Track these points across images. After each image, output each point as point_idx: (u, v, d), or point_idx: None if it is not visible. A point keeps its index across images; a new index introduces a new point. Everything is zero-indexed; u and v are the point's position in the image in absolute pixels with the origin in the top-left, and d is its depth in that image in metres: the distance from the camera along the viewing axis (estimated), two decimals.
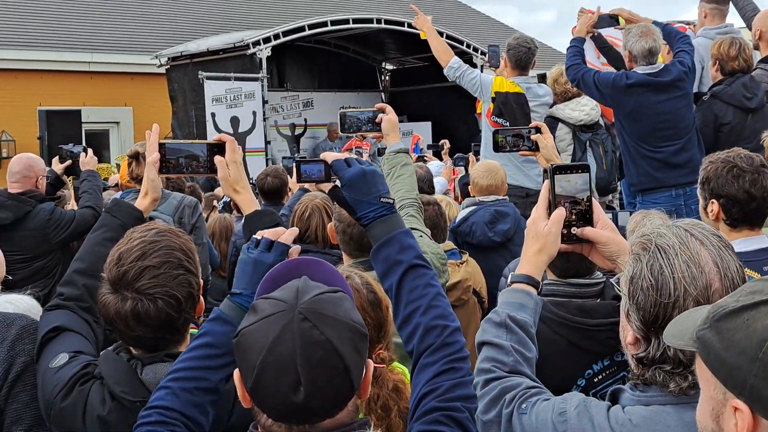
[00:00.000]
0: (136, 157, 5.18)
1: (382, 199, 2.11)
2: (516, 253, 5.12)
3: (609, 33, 6.65)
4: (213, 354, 2.03)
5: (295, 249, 2.16)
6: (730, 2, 6.52)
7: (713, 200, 3.23)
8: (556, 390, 2.63)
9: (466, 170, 8.52)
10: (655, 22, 5.78)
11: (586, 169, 2.20)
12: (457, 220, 5.40)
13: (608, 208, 6.56)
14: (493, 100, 6.39)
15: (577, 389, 2.69)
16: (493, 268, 4.88)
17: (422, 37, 6.90)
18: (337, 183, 2.18)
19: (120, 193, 6.87)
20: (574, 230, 2.17)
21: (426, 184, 6.29)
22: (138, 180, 5.19)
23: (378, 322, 2.59)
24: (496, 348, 2.09)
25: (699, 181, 3.32)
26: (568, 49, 5.98)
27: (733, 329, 1.24)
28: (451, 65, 6.50)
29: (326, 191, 2.23)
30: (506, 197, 5.52)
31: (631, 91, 5.48)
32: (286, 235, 2.14)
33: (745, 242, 3.23)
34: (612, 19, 6.02)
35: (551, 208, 2.17)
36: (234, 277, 2.16)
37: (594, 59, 7.52)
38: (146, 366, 2.23)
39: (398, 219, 2.12)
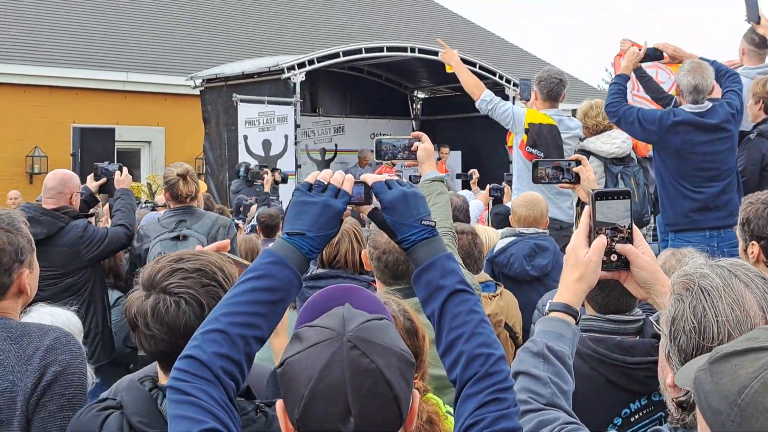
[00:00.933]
0: (183, 177, 5.20)
1: (423, 222, 2.05)
2: (552, 288, 5.07)
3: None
4: (274, 300, 1.84)
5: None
6: None
7: (753, 242, 3.17)
8: (591, 429, 2.58)
9: (501, 200, 8.47)
10: (702, 58, 5.72)
11: (627, 195, 2.15)
12: (495, 250, 5.34)
13: None
14: (527, 131, 6.37)
15: (613, 428, 2.64)
16: (527, 302, 4.81)
17: (448, 70, 6.88)
18: (377, 205, 2.15)
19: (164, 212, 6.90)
20: (614, 257, 2.12)
21: (462, 214, 6.25)
22: (180, 198, 5.21)
23: (414, 351, 2.53)
24: (533, 379, 2.04)
25: (739, 221, 3.27)
26: (610, 86, 5.94)
27: (722, 373, 1.25)
28: (483, 98, 6.49)
29: (366, 213, 2.19)
30: (546, 231, 5.45)
31: (678, 129, 5.44)
32: (347, 183, 2.05)
33: None
34: (656, 53, 5.96)
35: (592, 234, 2.13)
36: (287, 218, 2.00)
37: (635, 91, 7.49)
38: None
39: (440, 242, 2.05)
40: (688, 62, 5.55)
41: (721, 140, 5.45)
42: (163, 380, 2.22)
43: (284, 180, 11.17)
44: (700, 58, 5.71)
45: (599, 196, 2.13)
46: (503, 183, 8.76)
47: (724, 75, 5.70)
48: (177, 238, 5.03)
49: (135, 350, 5.58)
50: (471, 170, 11.88)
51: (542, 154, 6.35)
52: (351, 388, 1.50)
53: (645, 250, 2.13)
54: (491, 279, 4.78)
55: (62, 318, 2.80)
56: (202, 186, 8.15)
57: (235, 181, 11.48)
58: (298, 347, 1.57)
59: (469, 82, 6.63)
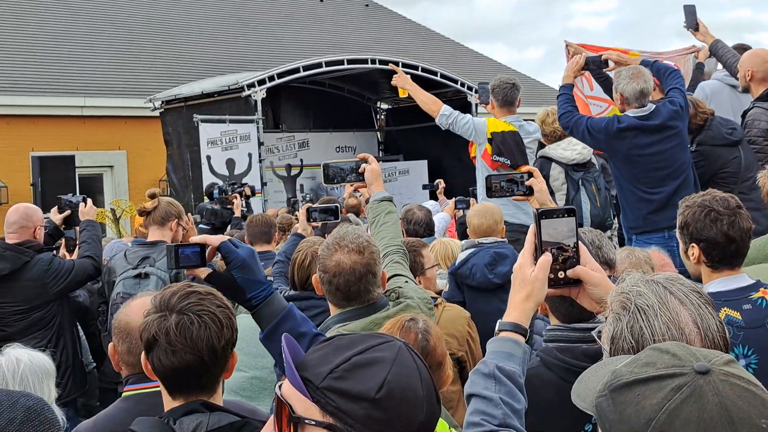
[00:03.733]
0: (153, 196, 5.11)
1: (268, 277, 2.23)
2: None
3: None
4: None
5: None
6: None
7: (693, 244, 3.25)
8: None
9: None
10: (643, 62, 5.81)
11: (571, 213, 2.17)
12: (456, 263, 5.39)
13: None
14: (490, 141, 6.41)
15: None
16: (493, 311, 4.84)
17: (401, 95, 6.91)
18: (214, 267, 2.22)
19: (132, 240, 6.82)
20: (561, 275, 2.15)
21: (422, 228, 6.27)
22: (142, 213, 5.12)
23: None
24: (485, 400, 2.07)
25: (678, 225, 3.34)
26: (558, 97, 6.00)
27: (625, 403, 1.27)
28: (443, 113, 6.51)
29: (203, 277, 2.23)
30: (504, 239, 5.50)
31: (624, 135, 5.52)
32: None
33: (725, 281, 3.24)
34: (601, 62, 6.05)
35: (538, 252, 2.15)
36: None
37: (587, 91, 7.60)
38: (180, 418, 2.19)
39: (280, 296, 2.20)
40: (627, 69, 5.61)
41: (668, 138, 5.53)
42: (169, 406, 2.27)
43: (253, 193, 11.17)
44: (642, 62, 5.80)
45: (543, 215, 2.15)
46: (470, 198, 8.79)
47: (665, 73, 5.76)
48: (139, 276, 4.95)
49: (106, 390, 5.55)
50: (437, 180, 11.91)
51: (509, 162, 6.40)
52: None
53: (593, 266, 2.16)
54: (436, 295, 4.77)
55: (39, 360, 2.79)
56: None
57: (208, 204, 11.40)
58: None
59: (425, 101, 6.64)
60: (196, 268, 2.20)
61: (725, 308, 3.16)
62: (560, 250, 2.14)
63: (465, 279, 5.34)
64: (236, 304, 2.39)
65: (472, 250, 5.43)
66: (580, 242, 2.17)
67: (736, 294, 3.21)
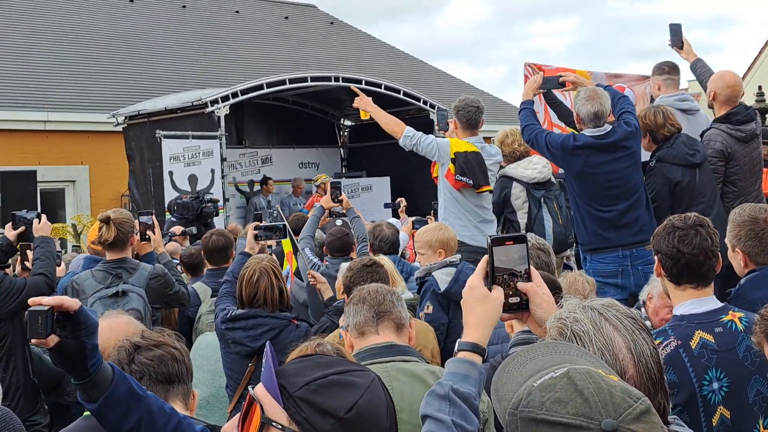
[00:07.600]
0: (107, 222, 5.09)
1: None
2: None
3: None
4: None
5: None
6: (680, 71, 6.79)
7: (656, 256, 3.37)
8: None
9: None
10: (598, 86, 5.92)
11: (522, 239, 2.20)
12: (444, 284, 5.27)
13: (565, 267, 6.60)
14: (453, 161, 6.44)
15: None
16: None
17: (363, 117, 6.94)
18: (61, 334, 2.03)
19: (83, 256, 6.75)
20: (513, 300, 2.17)
21: (387, 245, 6.26)
22: (105, 244, 5.14)
23: None
24: (438, 422, 2.08)
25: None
26: (519, 113, 6.10)
27: None
28: (406, 134, 6.52)
29: (50, 345, 2.03)
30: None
31: (578, 153, 5.61)
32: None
33: (695, 303, 3.29)
34: (558, 82, 6.16)
35: (489, 278, 2.18)
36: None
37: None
38: None
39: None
40: (584, 90, 5.73)
41: (622, 158, 5.63)
42: None
43: (217, 212, 11.02)
44: (597, 85, 5.92)
45: (496, 242, 2.18)
46: (428, 216, 8.80)
47: (615, 97, 5.88)
48: (116, 294, 4.90)
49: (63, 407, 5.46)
50: (398, 199, 11.92)
51: (471, 182, 6.43)
52: None
53: (544, 290, 2.18)
54: None
55: None
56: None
57: (178, 198, 11.12)
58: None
59: (388, 122, 6.65)
60: (46, 338, 1.98)
61: (699, 331, 3.21)
62: (512, 276, 2.17)
63: (459, 297, 5.29)
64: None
65: (452, 269, 5.33)
66: (531, 267, 2.19)
67: (707, 317, 3.27)
